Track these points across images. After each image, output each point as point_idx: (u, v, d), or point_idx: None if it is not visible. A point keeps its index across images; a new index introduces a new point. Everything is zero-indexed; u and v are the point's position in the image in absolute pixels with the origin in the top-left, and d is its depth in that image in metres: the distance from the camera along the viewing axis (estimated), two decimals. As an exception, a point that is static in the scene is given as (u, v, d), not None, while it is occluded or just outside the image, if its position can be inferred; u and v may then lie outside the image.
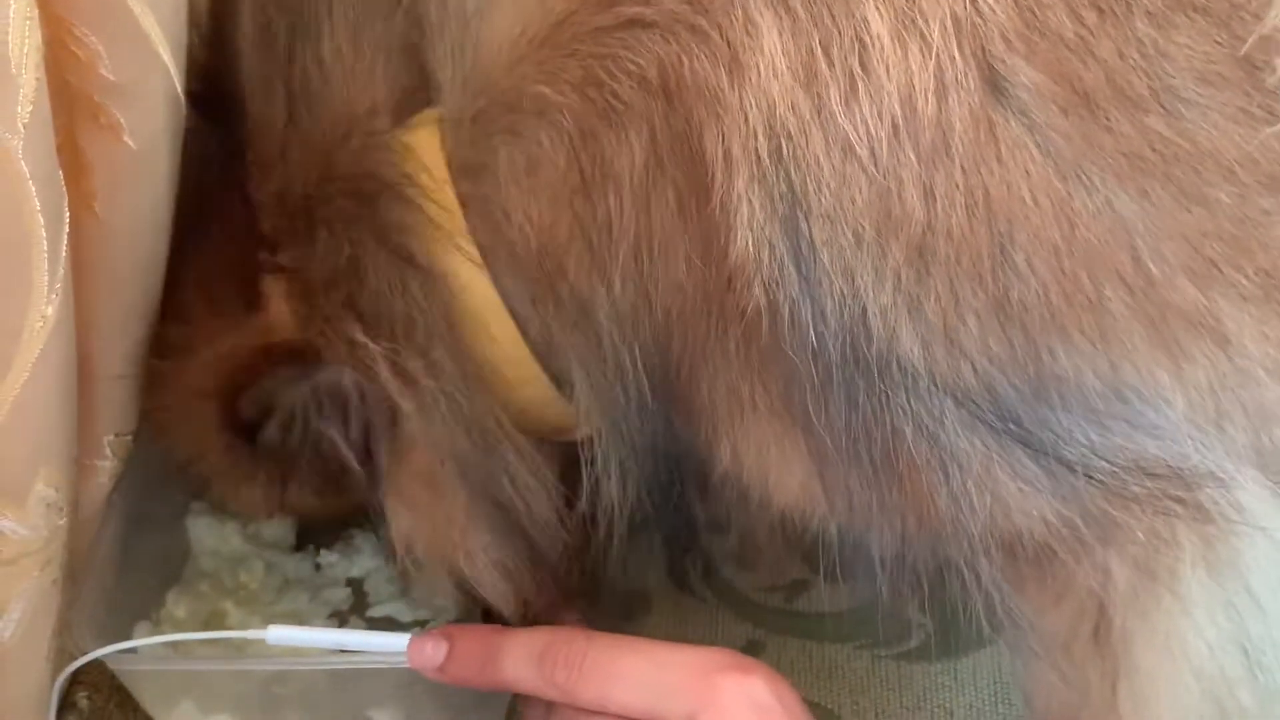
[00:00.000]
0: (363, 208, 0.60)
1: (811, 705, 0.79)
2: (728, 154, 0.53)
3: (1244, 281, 0.51)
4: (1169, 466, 0.54)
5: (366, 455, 0.64)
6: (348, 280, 0.60)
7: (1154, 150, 0.50)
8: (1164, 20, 0.49)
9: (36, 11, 0.47)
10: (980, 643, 0.80)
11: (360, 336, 0.59)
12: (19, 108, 0.47)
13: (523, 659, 0.61)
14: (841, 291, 0.53)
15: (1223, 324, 0.52)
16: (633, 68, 0.54)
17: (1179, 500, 0.54)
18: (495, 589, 0.65)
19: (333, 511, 0.73)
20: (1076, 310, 0.52)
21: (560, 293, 0.58)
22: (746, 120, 0.52)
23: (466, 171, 0.60)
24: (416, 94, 0.61)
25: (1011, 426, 0.53)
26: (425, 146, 0.60)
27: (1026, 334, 0.52)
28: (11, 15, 0.45)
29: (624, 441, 0.61)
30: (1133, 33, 0.49)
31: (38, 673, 0.64)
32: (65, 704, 0.75)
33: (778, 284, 0.53)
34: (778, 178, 0.52)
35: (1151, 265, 0.51)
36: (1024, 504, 0.56)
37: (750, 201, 0.53)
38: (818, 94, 0.51)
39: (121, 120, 0.56)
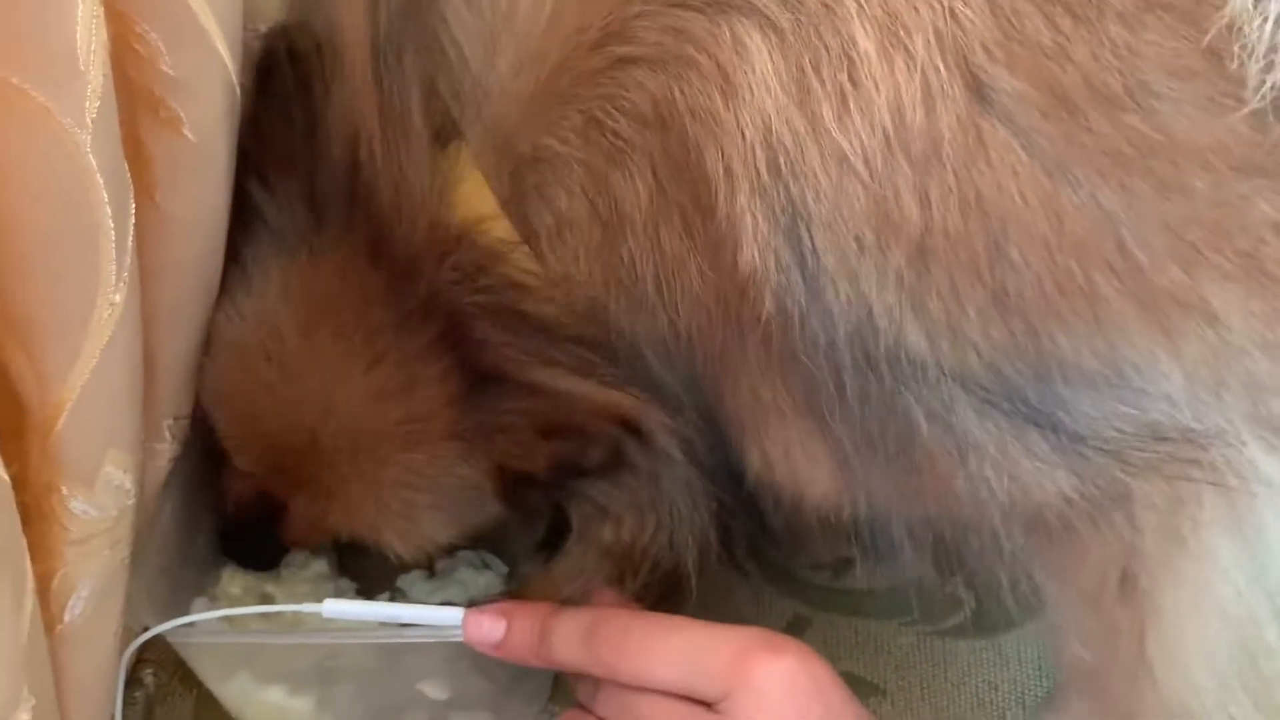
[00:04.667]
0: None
1: (857, 680, 0.80)
2: (728, 170, 0.55)
3: (1225, 263, 0.53)
4: (1178, 428, 0.56)
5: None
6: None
7: (1132, 145, 0.52)
8: (1134, 20, 0.51)
9: (102, 10, 0.48)
10: (1024, 619, 0.81)
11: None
12: (87, 103, 0.48)
13: (571, 636, 0.62)
14: (847, 294, 0.55)
15: (1209, 303, 0.53)
16: (628, 105, 0.56)
17: (1193, 462, 0.56)
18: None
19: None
20: (1070, 298, 0.54)
21: (610, 336, 0.61)
22: (744, 138, 0.54)
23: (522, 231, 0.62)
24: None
25: (1020, 407, 0.55)
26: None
27: (1026, 321, 0.54)
28: (80, 15, 0.47)
29: (688, 459, 0.64)
30: (1105, 35, 0.51)
31: (106, 650, 0.65)
32: (131, 680, 0.77)
33: (786, 291, 0.55)
34: (777, 191, 0.54)
35: (1138, 253, 0.53)
36: (1041, 480, 0.57)
37: (753, 215, 0.55)
38: (811, 109, 0.53)
39: (181, 114, 0.57)
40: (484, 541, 0.77)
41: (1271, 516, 0.58)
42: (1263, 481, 0.56)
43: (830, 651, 0.81)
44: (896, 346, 0.55)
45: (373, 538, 0.70)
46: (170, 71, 0.55)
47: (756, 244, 0.55)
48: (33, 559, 0.55)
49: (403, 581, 0.79)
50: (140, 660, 0.79)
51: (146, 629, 0.68)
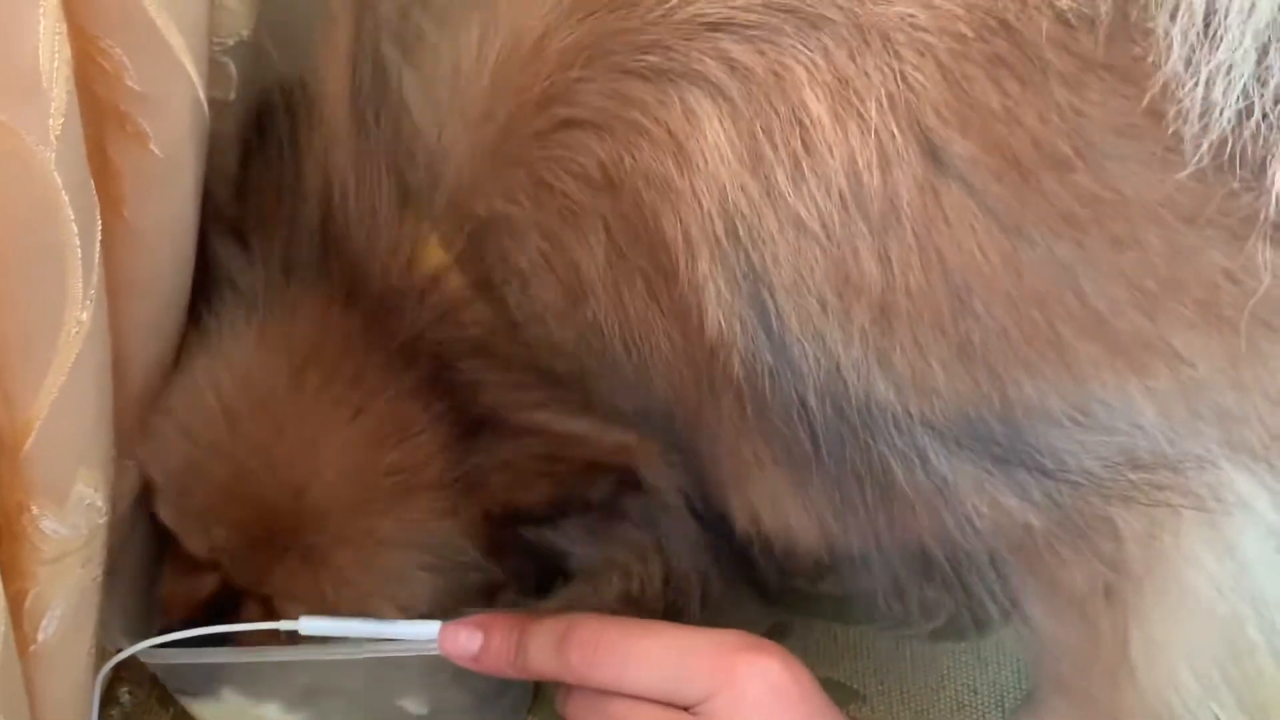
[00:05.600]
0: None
1: (836, 685, 0.80)
2: (687, 236, 0.55)
3: (1184, 310, 0.53)
4: (1155, 455, 0.56)
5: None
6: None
7: (1083, 204, 0.52)
8: (1077, 82, 0.51)
9: (65, 26, 0.48)
10: (1002, 622, 0.81)
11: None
12: (51, 120, 0.48)
13: (544, 645, 0.62)
14: (814, 354, 0.55)
15: (1174, 345, 0.54)
16: (576, 167, 0.56)
17: (1171, 488, 0.57)
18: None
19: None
20: (1036, 345, 0.54)
21: (590, 399, 0.61)
22: (700, 204, 0.54)
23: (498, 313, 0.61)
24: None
25: (993, 448, 0.56)
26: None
27: (990, 370, 0.55)
28: (41, 31, 0.46)
29: (685, 504, 0.64)
30: (1051, 97, 0.51)
31: (80, 670, 0.65)
32: (107, 700, 0.77)
33: (753, 354, 0.56)
34: (738, 257, 0.55)
35: (1098, 303, 0.53)
36: (1023, 515, 0.58)
37: (715, 281, 0.55)
38: (765, 175, 0.53)
39: (147, 129, 0.57)
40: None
41: (1250, 533, 0.58)
42: (1241, 502, 0.57)
43: (809, 657, 0.80)
44: (866, 400, 0.55)
45: (359, 606, 0.67)
46: (135, 87, 0.55)
47: (720, 309, 0.55)
48: (5, 579, 0.55)
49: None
50: (116, 679, 0.79)
51: (121, 649, 0.68)
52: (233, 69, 0.64)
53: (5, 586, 0.55)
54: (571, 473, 0.63)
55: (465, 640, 0.64)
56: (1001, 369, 0.55)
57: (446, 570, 0.67)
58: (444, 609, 0.67)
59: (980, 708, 0.79)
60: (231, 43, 0.63)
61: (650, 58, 0.55)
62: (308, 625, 0.65)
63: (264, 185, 0.65)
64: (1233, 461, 0.56)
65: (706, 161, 0.54)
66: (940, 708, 0.79)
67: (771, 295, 0.55)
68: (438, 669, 0.67)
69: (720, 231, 0.54)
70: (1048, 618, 0.65)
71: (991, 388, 0.55)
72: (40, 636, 0.60)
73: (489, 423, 0.63)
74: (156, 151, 0.58)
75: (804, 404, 0.56)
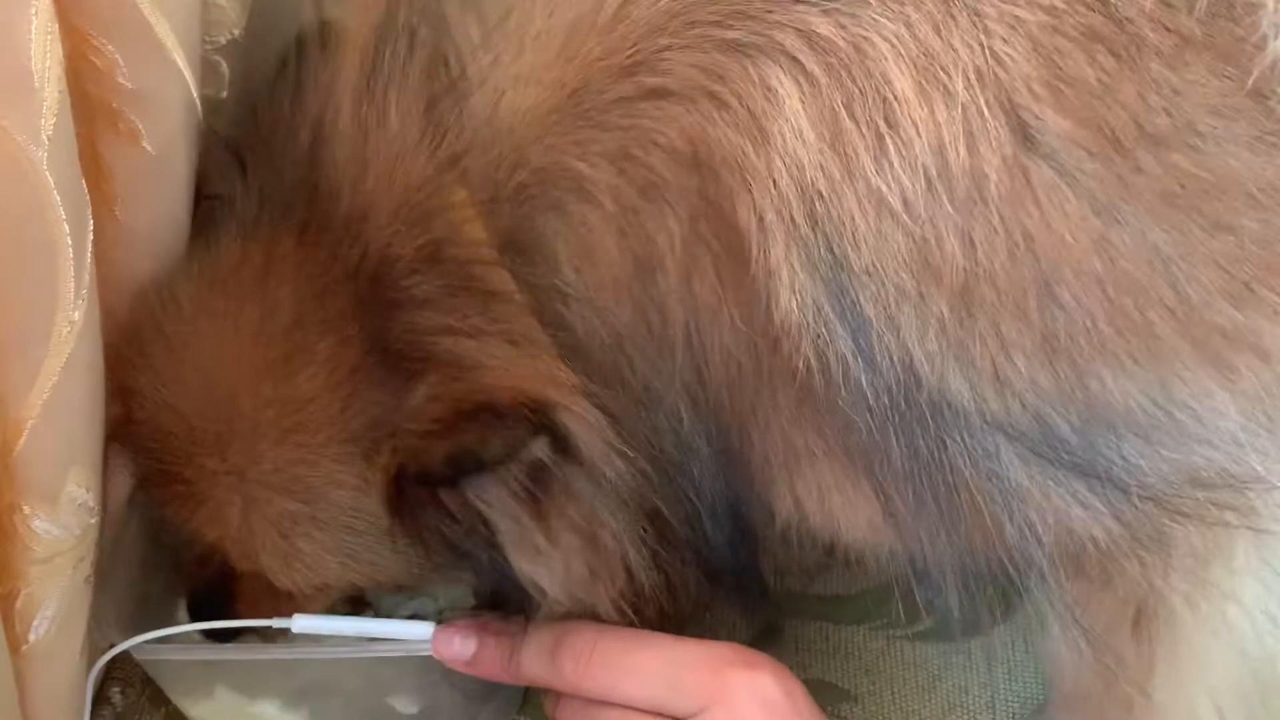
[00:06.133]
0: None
1: (827, 686, 0.80)
2: (761, 221, 0.53)
3: (1276, 299, 0.53)
4: (1220, 473, 0.55)
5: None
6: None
7: (1180, 186, 0.51)
8: (1175, 60, 0.50)
9: (57, 25, 0.48)
10: (994, 622, 0.81)
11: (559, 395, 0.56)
12: (43, 120, 0.48)
13: (537, 653, 0.62)
14: (889, 344, 0.53)
15: (1262, 340, 0.53)
16: (662, 140, 0.55)
17: (1231, 508, 0.56)
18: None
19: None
20: (1125, 336, 0.53)
21: (625, 377, 0.58)
22: (776, 186, 0.53)
23: (516, 251, 0.57)
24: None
25: (1064, 455, 0.55)
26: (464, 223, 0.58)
27: (1074, 365, 0.53)
28: (34, 31, 0.46)
29: (690, 496, 0.60)
30: (1149, 74, 0.50)
31: (72, 669, 0.64)
32: (98, 699, 0.77)
33: (827, 343, 0.54)
34: (816, 240, 0.53)
35: (1190, 290, 0.52)
36: (1088, 526, 0.57)
37: (791, 266, 0.53)
38: (846, 153, 0.52)
39: (140, 126, 0.57)
40: (404, 590, 0.72)
41: None
42: None
43: (800, 657, 0.81)
44: (939, 396, 0.54)
45: (250, 563, 0.62)
46: (128, 84, 0.55)
47: (795, 296, 0.54)
48: (-5, 579, 0.54)
49: (371, 593, 0.79)
50: (108, 678, 0.79)
51: (113, 646, 0.68)
52: (224, 67, 0.64)
53: (-4, 587, 0.55)
54: (470, 424, 0.56)
55: (459, 645, 0.64)
56: (1085, 363, 0.53)
57: (342, 538, 0.60)
58: (354, 588, 0.63)
59: (971, 708, 0.79)
60: (223, 41, 0.63)
61: (733, 29, 0.53)
62: (300, 624, 0.65)
63: (271, 116, 0.62)
64: None
65: (785, 140, 0.52)
66: (931, 708, 0.79)
67: (850, 279, 0.53)
68: (431, 667, 0.67)
69: (798, 214, 0.53)
70: (1073, 638, 0.65)
71: (1074, 384, 0.53)
72: (32, 636, 0.59)
73: (401, 356, 0.57)
74: (149, 149, 0.58)
75: (875, 396, 0.54)
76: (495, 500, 0.57)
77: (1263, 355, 0.54)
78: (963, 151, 0.51)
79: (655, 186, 0.55)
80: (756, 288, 0.54)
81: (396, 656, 0.67)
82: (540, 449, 0.55)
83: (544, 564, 0.59)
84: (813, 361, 0.54)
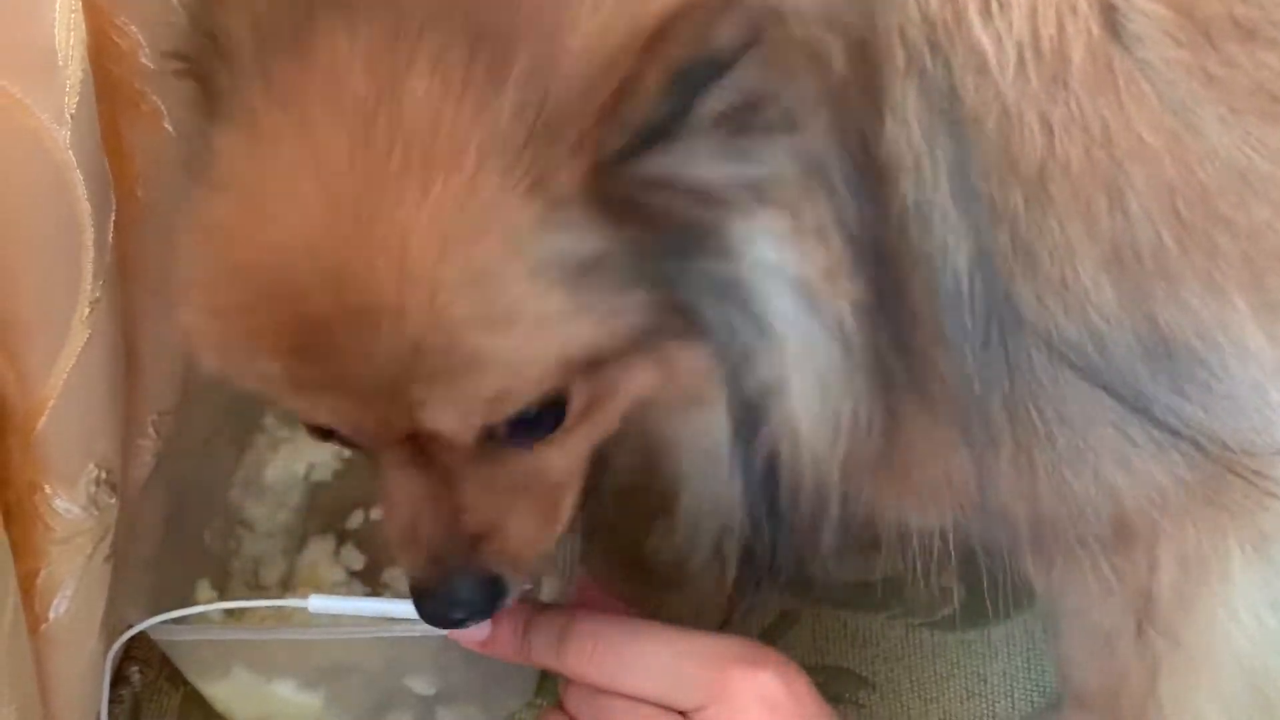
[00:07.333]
0: None
1: (845, 673, 0.80)
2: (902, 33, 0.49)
3: None
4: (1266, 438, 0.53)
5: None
6: None
7: (1266, 84, 0.49)
8: None
9: (80, 5, 0.48)
10: (1012, 611, 0.80)
11: None
12: (66, 99, 0.48)
13: (547, 639, 0.61)
14: (968, 225, 0.50)
15: None
16: None
17: (1260, 474, 0.54)
18: None
19: None
20: (1189, 255, 0.51)
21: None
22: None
23: None
24: None
25: (1126, 389, 0.52)
26: None
27: (1137, 285, 0.51)
28: (58, 10, 0.46)
29: None
30: None
31: (91, 649, 0.65)
32: (117, 678, 0.77)
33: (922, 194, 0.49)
34: (936, 68, 0.49)
35: (1261, 214, 0.50)
36: (1156, 475, 0.55)
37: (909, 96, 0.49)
38: (957, 5, 0.49)
39: (162, 106, 0.57)
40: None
41: None
42: None
43: (818, 645, 0.81)
44: (1008, 301, 0.51)
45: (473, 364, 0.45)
46: (150, 64, 0.55)
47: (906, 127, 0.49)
48: (16, 558, 0.55)
49: (388, 575, 0.79)
50: (127, 658, 0.79)
51: (131, 626, 0.68)
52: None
53: (17, 565, 0.55)
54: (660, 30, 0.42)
55: (474, 626, 0.63)
56: (1147, 284, 0.51)
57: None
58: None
59: (990, 696, 0.79)
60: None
61: None
62: (318, 604, 0.65)
63: None
64: None
65: None
66: (950, 696, 0.79)
67: (962, 127, 0.49)
68: (449, 647, 0.66)
69: (924, 43, 0.49)
70: (1081, 639, 0.64)
71: (1135, 304, 0.51)
72: (51, 615, 0.60)
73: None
74: (170, 129, 0.58)
75: (956, 279, 0.50)
76: (696, 148, 0.45)
77: None
78: (1053, 27, 0.49)
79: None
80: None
81: (413, 637, 0.67)
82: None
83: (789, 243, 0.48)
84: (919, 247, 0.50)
